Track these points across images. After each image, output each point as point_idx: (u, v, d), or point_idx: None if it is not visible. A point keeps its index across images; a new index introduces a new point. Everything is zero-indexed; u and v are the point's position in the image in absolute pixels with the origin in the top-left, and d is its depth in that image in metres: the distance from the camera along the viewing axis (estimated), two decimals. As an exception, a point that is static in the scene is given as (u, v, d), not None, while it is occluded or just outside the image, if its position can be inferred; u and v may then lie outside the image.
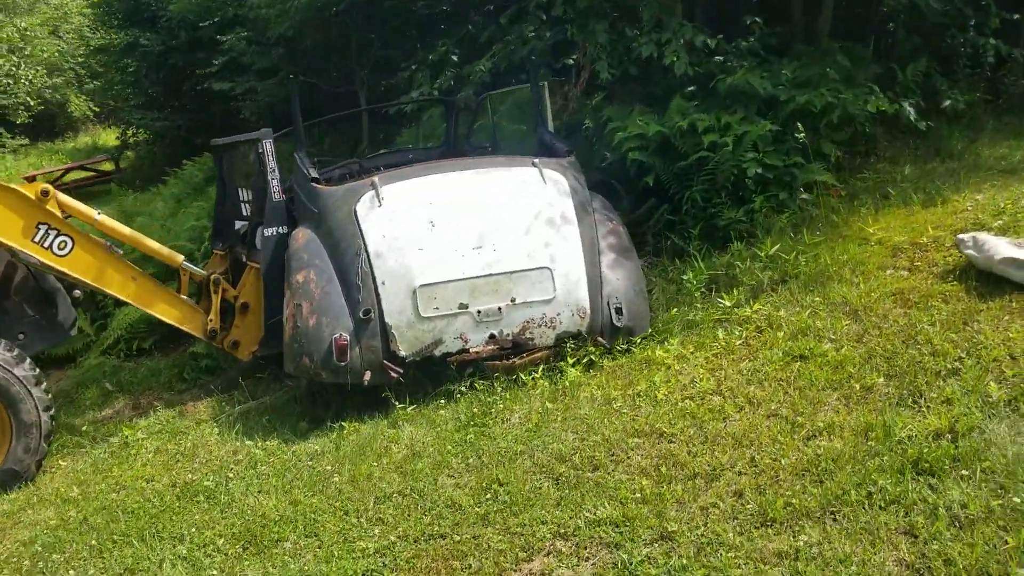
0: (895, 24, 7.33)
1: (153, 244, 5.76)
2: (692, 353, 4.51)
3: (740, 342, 4.47)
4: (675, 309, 5.08)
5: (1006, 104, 7.40)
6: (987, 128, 6.87)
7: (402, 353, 4.63)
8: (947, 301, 4.20)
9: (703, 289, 5.20)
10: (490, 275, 4.70)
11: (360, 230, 4.85)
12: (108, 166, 17.17)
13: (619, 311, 4.76)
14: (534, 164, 5.21)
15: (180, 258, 5.77)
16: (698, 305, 5.06)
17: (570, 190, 5.13)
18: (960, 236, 4.44)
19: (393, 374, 4.63)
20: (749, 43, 6.50)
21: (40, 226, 5.05)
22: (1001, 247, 4.17)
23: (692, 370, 4.33)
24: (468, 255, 4.74)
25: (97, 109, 23.22)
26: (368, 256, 4.75)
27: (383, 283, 4.68)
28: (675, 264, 5.79)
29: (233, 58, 11.42)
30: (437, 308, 4.64)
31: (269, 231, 5.65)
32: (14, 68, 20.78)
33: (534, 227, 4.86)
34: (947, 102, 6.76)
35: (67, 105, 22.84)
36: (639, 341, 4.79)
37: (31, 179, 15.46)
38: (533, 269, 4.73)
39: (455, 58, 8.46)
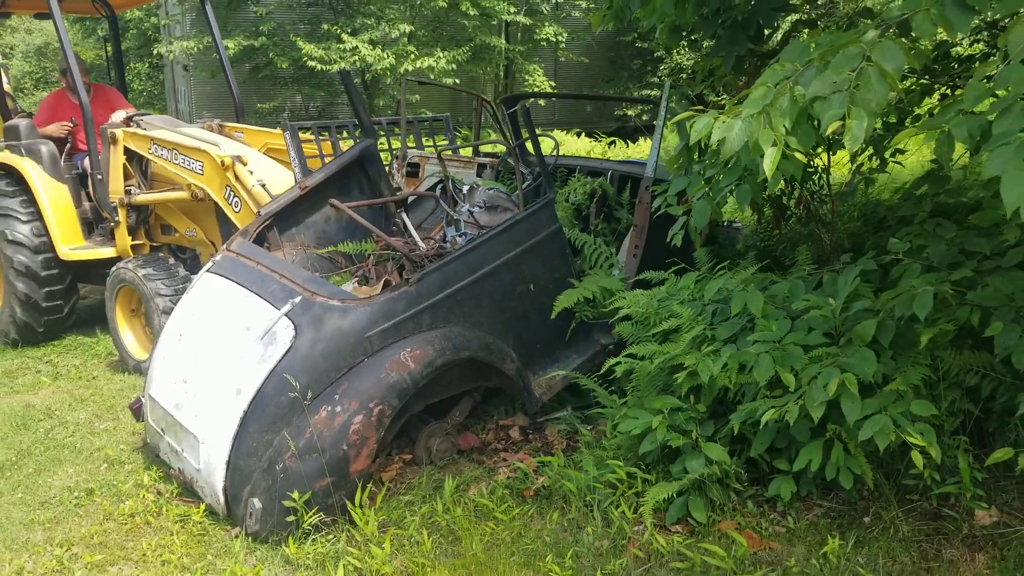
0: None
1: None
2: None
3: None
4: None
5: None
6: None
7: (149, 441, 4.44)
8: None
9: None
10: (173, 417, 4.02)
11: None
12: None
13: (252, 516, 3.59)
14: (292, 304, 3.80)
15: None
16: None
17: (283, 354, 3.70)
18: None
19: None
20: None
21: None
22: None
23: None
24: (176, 386, 4.08)
25: None
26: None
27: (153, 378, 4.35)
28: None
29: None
30: (155, 422, 4.27)
31: None
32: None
33: (220, 385, 3.86)
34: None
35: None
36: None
37: None
38: (190, 432, 3.90)
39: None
